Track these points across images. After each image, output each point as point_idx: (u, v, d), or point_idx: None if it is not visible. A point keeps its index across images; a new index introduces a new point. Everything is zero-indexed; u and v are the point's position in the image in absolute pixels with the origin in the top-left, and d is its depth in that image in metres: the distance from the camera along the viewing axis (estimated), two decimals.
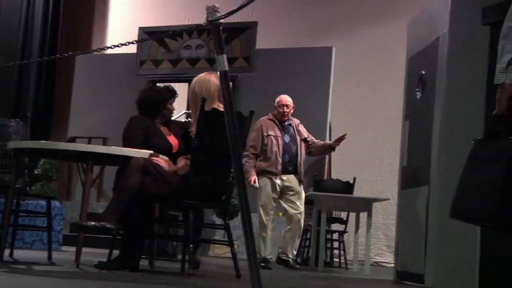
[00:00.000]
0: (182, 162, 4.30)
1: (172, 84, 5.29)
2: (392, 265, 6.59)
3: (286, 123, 6.50)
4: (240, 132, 3.19)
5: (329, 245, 8.03)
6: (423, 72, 5.54)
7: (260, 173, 6.34)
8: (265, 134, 6.36)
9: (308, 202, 7.91)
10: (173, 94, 4.77)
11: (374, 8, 10.31)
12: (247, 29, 10.33)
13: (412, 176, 5.68)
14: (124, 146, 4.40)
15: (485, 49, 4.78)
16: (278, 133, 6.39)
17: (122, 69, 10.75)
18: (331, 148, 6.67)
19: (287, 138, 6.43)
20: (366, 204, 6.78)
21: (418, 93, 5.65)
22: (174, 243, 6.41)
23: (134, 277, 3.72)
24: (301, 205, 6.42)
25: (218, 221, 8.10)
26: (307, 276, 5.72)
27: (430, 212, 5.08)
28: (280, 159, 6.32)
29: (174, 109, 4.85)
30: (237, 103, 9.85)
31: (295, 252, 6.59)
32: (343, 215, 8.17)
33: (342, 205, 7.00)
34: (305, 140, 6.54)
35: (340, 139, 6.50)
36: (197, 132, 4.18)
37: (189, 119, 5.05)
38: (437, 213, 4.98)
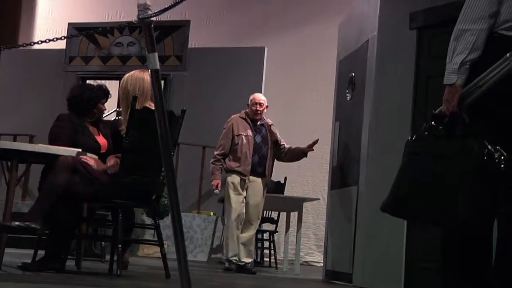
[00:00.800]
0: (112, 161, 4.22)
1: (103, 82, 5.21)
2: (322, 264, 6.67)
3: (258, 122, 6.26)
4: (171, 131, 3.16)
5: (259, 244, 8.06)
6: (353, 74, 5.64)
7: (230, 171, 6.12)
8: (236, 133, 6.15)
9: None
10: (105, 94, 4.66)
11: (306, 8, 10.42)
12: (180, 28, 10.26)
13: (341, 176, 5.77)
14: (51, 144, 4.29)
15: (412, 52, 4.91)
16: (250, 133, 6.16)
17: (50, 65, 10.49)
18: (303, 153, 6.35)
19: (258, 138, 6.19)
20: (296, 204, 6.84)
21: (348, 94, 5.74)
22: (103, 243, 6.29)
23: (59, 279, 3.63)
24: (260, 210, 6.23)
25: (149, 221, 8.01)
26: (237, 275, 5.73)
27: (358, 212, 5.18)
28: (249, 160, 6.09)
29: (105, 109, 4.76)
30: (169, 102, 9.78)
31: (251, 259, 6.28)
32: (274, 214, 8.23)
33: (273, 204, 7.04)
34: (276, 142, 6.29)
35: (313, 144, 6.21)
36: (127, 131, 4.12)
37: (120, 117, 4.97)
38: (365, 213, 5.07)
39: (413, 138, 2.57)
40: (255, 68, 9.89)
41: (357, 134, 5.39)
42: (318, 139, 6.20)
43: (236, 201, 6.05)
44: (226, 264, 6.12)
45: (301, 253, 7.31)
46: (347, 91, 5.75)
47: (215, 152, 6.24)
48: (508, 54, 2.41)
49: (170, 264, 4.08)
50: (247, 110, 6.31)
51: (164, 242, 4.46)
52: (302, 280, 5.90)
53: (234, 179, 6.08)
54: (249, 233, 6.13)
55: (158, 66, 2.14)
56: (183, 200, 9.29)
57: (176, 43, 10.23)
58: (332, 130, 6.20)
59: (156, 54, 2.15)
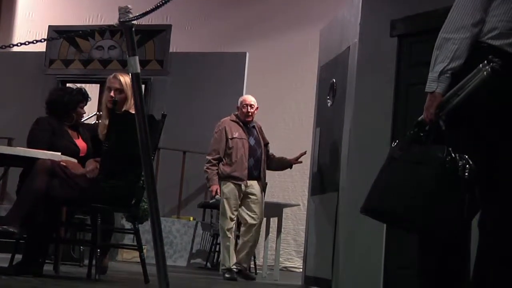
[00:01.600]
0: (91, 165, 4.20)
1: (83, 85, 5.17)
2: (301, 270, 6.68)
3: (250, 124, 6.10)
4: (151, 136, 3.15)
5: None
6: (334, 80, 5.66)
7: (224, 178, 5.94)
8: (229, 136, 5.95)
9: (219, 207, 7.91)
10: (85, 97, 4.62)
11: (288, 15, 10.45)
12: (161, 32, 10.24)
13: (321, 182, 5.78)
14: (30, 147, 4.25)
15: (393, 59, 4.94)
16: (243, 135, 5.99)
17: (30, 68, 10.41)
18: (289, 165, 6.27)
19: (252, 141, 6.03)
20: (276, 210, 6.84)
21: (329, 101, 5.76)
22: (81, 247, 6.24)
23: (36, 283, 3.60)
24: (261, 214, 6.03)
25: (128, 225, 7.97)
26: (216, 280, 5.71)
27: (338, 218, 5.19)
28: (246, 163, 5.91)
29: (84, 113, 4.72)
30: (150, 106, 9.74)
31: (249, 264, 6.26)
32: None
33: None
34: (266, 145, 6.17)
35: (300, 156, 6.13)
36: (107, 135, 4.10)
37: (99, 121, 4.94)
38: (345, 219, 5.08)
39: (395, 143, 2.60)
40: (236, 73, 9.89)
41: (338, 140, 5.41)
42: (306, 151, 6.10)
43: (230, 211, 5.91)
44: (227, 274, 5.85)
45: (280, 259, 7.31)
46: (328, 97, 5.77)
47: (209, 157, 6.01)
48: (480, 65, 2.43)
49: (149, 269, 4.06)
50: (237, 112, 6.16)
51: (144, 246, 4.43)
52: (281, 286, 5.90)
53: (228, 187, 5.92)
54: (252, 238, 5.95)
55: (138, 70, 2.14)
56: (162, 205, 9.26)
57: (157, 47, 10.20)
58: (313, 136, 6.21)
59: (137, 58, 2.15)
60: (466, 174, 2.37)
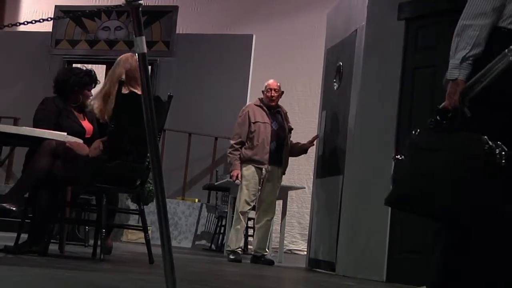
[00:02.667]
0: (95, 144, 4.20)
1: (89, 66, 5.14)
2: (305, 253, 6.70)
3: (274, 109, 6.05)
4: (157, 117, 3.15)
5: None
6: (341, 63, 5.64)
7: (246, 161, 5.92)
8: (252, 121, 5.93)
9: (224, 189, 7.93)
10: (92, 80, 4.59)
11: None
12: (168, 13, 10.20)
13: (327, 165, 5.78)
14: (35, 127, 4.26)
15: (400, 43, 4.91)
16: (267, 120, 5.96)
17: (36, 48, 10.40)
18: (304, 150, 6.19)
19: (275, 126, 5.98)
20: (281, 192, 6.82)
21: (335, 84, 5.74)
22: (86, 227, 6.27)
23: (42, 262, 3.62)
24: (274, 199, 6.08)
25: (133, 206, 8.00)
26: (221, 262, 5.74)
27: (343, 201, 5.19)
28: (267, 147, 5.90)
29: (91, 95, 4.70)
30: (156, 87, 9.74)
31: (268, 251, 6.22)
32: None
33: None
34: (290, 131, 6.13)
35: (313, 139, 6.06)
36: (113, 116, 4.10)
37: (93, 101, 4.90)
38: (350, 202, 5.09)
39: (417, 132, 2.56)
40: (243, 55, 9.87)
41: (344, 123, 5.40)
42: (318, 134, 6.06)
43: (247, 195, 5.91)
44: (231, 256, 5.91)
45: (285, 242, 7.32)
46: (334, 80, 5.75)
47: (232, 142, 6.02)
48: (506, 50, 2.40)
49: (154, 250, 4.08)
50: (262, 97, 6.12)
51: (148, 227, 4.44)
52: (285, 268, 5.92)
53: (249, 170, 5.91)
54: (266, 223, 5.99)
55: (145, 50, 2.12)
56: (168, 186, 9.28)
57: (163, 29, 10.17)
58: (319, 119, 6.20)
59: (144, 38, 2.13)
60: (503, 161, 2.33)
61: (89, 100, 4.50)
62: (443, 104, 2.54)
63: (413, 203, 2.50)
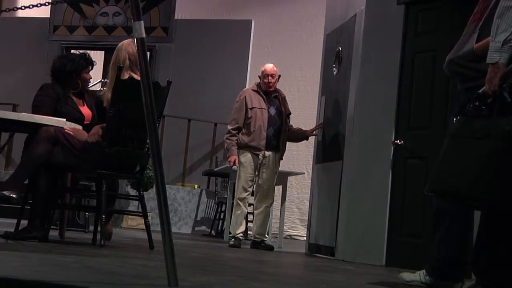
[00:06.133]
0: (94, 130, 4.20)
1: (88, 52, 5.12)
2: (305, 238, 6.71)
3: (271, 95, 6.01)
4: (156, 102, 3.13)
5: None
6: (340, 49, 5.62)
7: (242, 147, 5.91)
8: (249, 106, 5.90)
9: (224, 175, 7.93)
10: (88, 62, 4.58)
11: None
12: None
13: (326, 151, 5.78)
14: (34, 113, 4.25)
15: (400, 27, 4.89)
16: (263, 105, 5.92)
17: (34, 34, 10.37)
18: (305, 137, 6.18)
19: (272, 111, 5.96)
20: (281, 178, 6.83)
21: (334, 69, 5.73)
22: (86, 213, 6.28)
23: (42, 248, 3.62)
24: (273, 184, 6.05)
25: (133, 192, 8.01)
26: (221, 248, 5.75)
27: (342, 186, 5.20)
28: (264, 133, 5.88)
29: (91, 78, 4.68)
30: (155, 73, 9.71)
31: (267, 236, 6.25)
32: None
33: None
34: (288, 116, 6.09)
35: (316, 128, 6.03)
36: (112, 101, 4.09)
37: (104, 88, 4.91)
38: (349, 187, 5.10)
39: (457, 119, 2.50)
40: (241, 41, 9.84)
41: (343, 109, 5.39)
42: (322, 123, 5.98)
43: (245, 181, 5.91)
44: (232, 241, 5.93)
45: (284, 227, 7.34)
46: (334, 65, 5.73)
47: (229, 127, 6.00)
48: None
49: (154, 236, 4.08)
50: (259, 82, 6.08)
51: (148, 213, 4.45)
52: (285, 253, 5.94)
53: (246, 157, 5.90)
54: (265, 209, 5.99)
55: (144, 35, 2.11)
56: (167, 173, 9.27)
57: (162, 14, 10.13)
58: (318, 104, 6.19)
59: (142, 23, 2.12)
60: None
61: (101, 93, 4.50)
62: (482, 89, 2.44)
63: (457, 192, 2.42)
